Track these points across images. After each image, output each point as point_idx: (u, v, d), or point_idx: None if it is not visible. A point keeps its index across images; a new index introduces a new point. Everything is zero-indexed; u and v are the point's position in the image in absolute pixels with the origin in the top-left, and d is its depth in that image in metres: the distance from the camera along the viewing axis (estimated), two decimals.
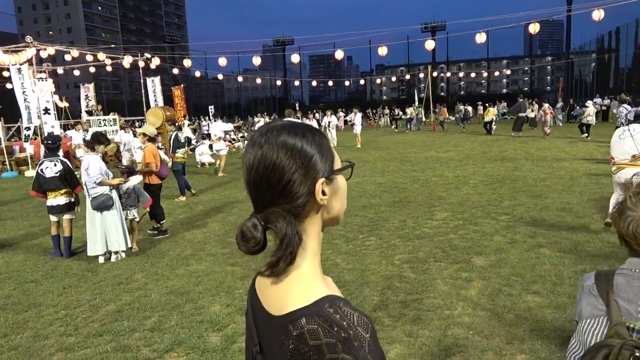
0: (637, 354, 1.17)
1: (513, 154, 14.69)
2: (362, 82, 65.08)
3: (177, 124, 11.30)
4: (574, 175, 10.06)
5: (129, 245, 6.27)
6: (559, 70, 70.83)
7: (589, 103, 19.79)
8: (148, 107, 22.30)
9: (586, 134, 18.37)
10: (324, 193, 0.88)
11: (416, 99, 38.53)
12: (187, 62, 23.07)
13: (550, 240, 5.73)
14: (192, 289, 4.96)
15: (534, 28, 16.68)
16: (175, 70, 27.93)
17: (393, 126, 34.03)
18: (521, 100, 23.04)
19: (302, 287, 0.87)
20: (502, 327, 3.66)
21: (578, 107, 26.14)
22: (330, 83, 51.79)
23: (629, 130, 5.49)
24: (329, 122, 21.75)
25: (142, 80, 24.31)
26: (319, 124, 21.64)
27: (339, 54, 19.74)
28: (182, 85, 25.10)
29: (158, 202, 7.26)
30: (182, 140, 10.49)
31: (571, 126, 24.22)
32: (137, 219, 6.69)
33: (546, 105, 21.84)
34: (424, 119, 30.89)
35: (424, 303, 4.20)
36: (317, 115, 25.16)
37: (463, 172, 11.61)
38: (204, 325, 4.07)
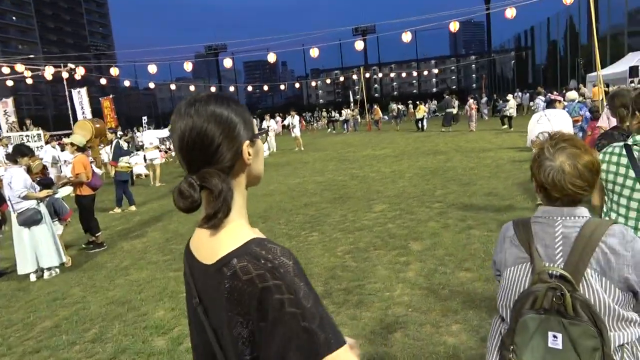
0: (559, 294, 1.33)
1: (444, 148, 15.42)
2: (297, 86, 65.49)
3: (117, 132, 10.76)
4: (500, 163, 10.75)
5: (63, 260, 6.00)
6: (482, 68, 74.87)
7: (510, 97, 21.19)
8: (75, 120, 21.22)
9: (507, 126, 19.66)
10: (249, 154, 1.00)
11: (351, 100, 39.37)
12: (114, 71, 22.13)
13: (479, 222, 6.12)
14: (134, 297, 4.85)
15: (454, 26, 17.67)
16: (103, 81, 26.72)
17: (329, 129, 34.60)
18: (447, 97, 24.24)
19: (231, 234, 0.97)
20: (437, 303, 3.90)
21: (501, 102, 27.83)
22: (266, 88, 51.70)
23: (545, 115, 6.01)
24: (268, 127, 21.75)
25: (67, 93, 23.09)
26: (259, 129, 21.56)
27: (272, 57, 19.78)
28: (111, 96, 24.11)
29: (92, 214, 6.99)
30: (125, 148, 9.97)
31: (496, 119, 25.75)
32: (59, 232, 6.35)
33: (471, 100, 23.08)
34: (359, 120, 31.64)
35: (366, 288, 4.37)
36: (256, 121, 25.09)
37: (399, 166, 12.06)
38: (148, 331, 4.01)
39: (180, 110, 0.99)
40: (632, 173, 2.13)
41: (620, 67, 21.17)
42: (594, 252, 1.38)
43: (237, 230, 0.98)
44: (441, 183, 9.10)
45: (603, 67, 19.63)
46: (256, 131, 1.06)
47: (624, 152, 2.15)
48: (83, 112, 22.29)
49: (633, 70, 17.84)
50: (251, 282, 0.89)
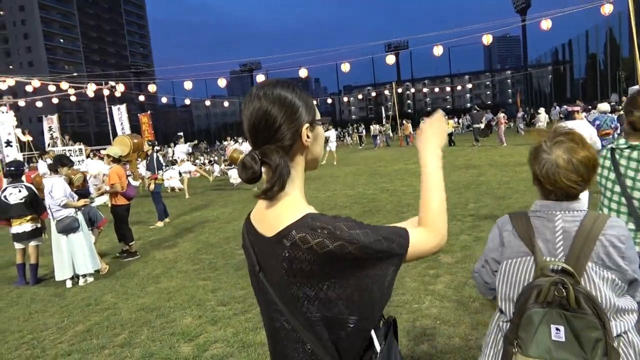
0: (562, 287, 1.35)
1: (478, 162, 15.12)
2: (330, 102, 65.96)
3: (154, 146, 10.97)
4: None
5: (98, 267, 6.17)
6: (518, 83, 73.57)
7: (541, 110, 20.76)
8: (115, 136, 22.02)
9: None
10: (308, 136, 1.11)
11: (383, 116, 39.30)
12: (152, 88, 22.92)
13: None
14: (163, 304, 4.92)
15: (487, 39, 17.45)
16: (142, 98, 27.72)
17: (360, 145, 34.61)
18: (475, 112, 24.06)
19: (291, 208, 1.08)
20: (467, 315, 3.78)
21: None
22: None
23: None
24: None
25: (107, 109, 24.02)
26: None
27: (303, 72, 20.04)
28: (149, 112, 24.94)
29: (126, 224, 7.17)
30: (162, 162, 10.15)
31: (531, 134, 25.12)
32: (94, 240, 6.55)
33: (501, 115, 22.75)
34: (391, 135, 31.50)
35: (394, 300, 4.28)
36: None
37: None
38: (175, 337, 4.05)
39: (252, 93, 1.10)
40: (612, 175, 2.22)
41: None
42: (594, 245, 1.40)
43: (295, 206, 1.08)
44: (474, 197, 8.89)
45: None
46: (318, 117, 1.15)
47: (609, 155, 2.25)
48: (122, 128, 23.11)
49: None
50: (311, 250, 1.00)
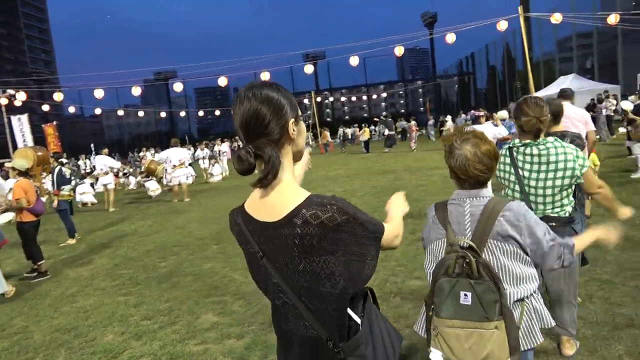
0: (467, 260, 1.64)
1: (394, 167, 15.88)
2: None
3: (60, 159, 10.16)
4: (446, 180, 11.15)
5: (4, 290, 5.68)
6: (429, 92, 78.03)
7: (448, 117, 22.33)
8: (15, 149, 20.24)
9: None
10: (293, 130, 1.25)
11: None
12: (58, 96, 21.35)
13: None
14: (81, 323, 4.66)
15: (399, 51, 18.43)
16: (46, 107, 25.73)
17: None
18: (389, 119, 25.46)
19: (293, 193, 1.22)
20: (389, 309, 4.01)
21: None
22: (218, 113, 51.35)
23: None
24: (219, 151, 21.59)
25: (6, 120, 22.03)
26: (212, 153, 21.30)
27: (223, 81, 19.77)
28: (54, 123, 23.23)
29: (34, 241, 6.67)
30: (68, 176, 9.42)
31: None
32: None
33: (412, 122, 24.21)
34: (311, 143, 32.07)
35: None
36: (208, 145, 24.70)
37: (351, 186, 12.30)
38: (96, 356, 3.87)
39: (241, 94, 1.23)
40: (512, 169, 2.67)
41: (553, 89, 22.72)
42: (494, 225, 1.70)
43: (296, 189, 1.23)
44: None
45: (537, 90, 21.01)
46: (300, 113, 1.30)
47: (507, 153, 2.70)
48: (24, 140, 21.30)
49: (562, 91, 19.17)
50: (322, 224, 1.14)
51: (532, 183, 2.60)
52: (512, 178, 2.69)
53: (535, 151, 2.58)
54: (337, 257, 1.16)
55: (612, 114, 16.88)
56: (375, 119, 27.56)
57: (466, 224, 1.77)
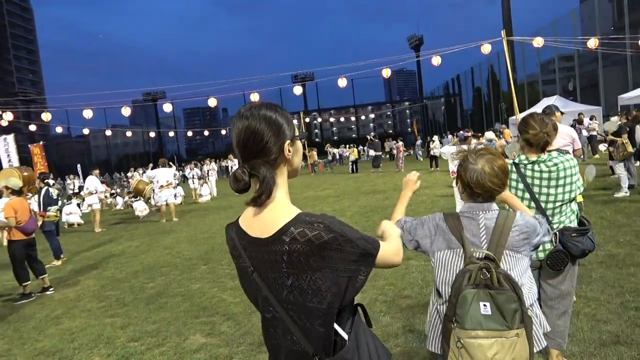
0: (485, 270, 1.70)
1: (382, 187, 15.97)
2: None
3: (46, 179, 10.03)
4: (434, 199, 11.29)
5: None
6: (416, 113, 79.03)
7: (435, 138, 22.61)
8: (0, 169, 19.98)
9: (435, 166, 20.89)
10: (289, 150, 1.27)
11: None
12: (46, 116, 21.24)
13: (416, 253, 6.37)
14: (66, 346, 4.58)
15: (387, 73, 18.75)
16: (33, 127, 25.54)
17: None
18: (376, 140, 25.75)
19: (283, 211, 1.23)
20: (378, 329, 4.01)
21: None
22: (207, 133, 51.32)
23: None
24: (208, 171, 21.55)
25: None
26: (201, 173, 21.24)
27: (212, 102, 19.87)
28: (41, 143, 23.02)
29: (21, 262, 6.58)
30: (55, 197, 9.33)
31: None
32: None
33: (400, 143, 24.46)
34: (302, 163, 32.16)
35: None
36: (197, 165, 24.59)
37: (340, 206, 12.33)
38: None
39: (240, 113, 1.25)
40: (521, 185, 2.73)
41: (537, 110, 23.23)
42: (508, 236, 1.80)
43: (286, 208, 1.24)
44: (381, 219, 9.34)
45: (522, 111, 21.40)
46: (297, 133, 1.31)
47: (514, 169, 2.75)
48: (10, 161, 21.02)
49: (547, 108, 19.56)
50: (309, 242, 1.15)
51: (543, 198, 2.70)
52: (522, 194, 2.75)
53: (544, 168, 2.66)
54: (325, 273, 1.17)
55: (595, 134, 17.25)
56: (368, 136, 27.62)
57: (481, 235, 1.84)
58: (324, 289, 1.18)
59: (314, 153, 31.43)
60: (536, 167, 2.68)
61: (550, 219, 2.71)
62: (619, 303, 4.01)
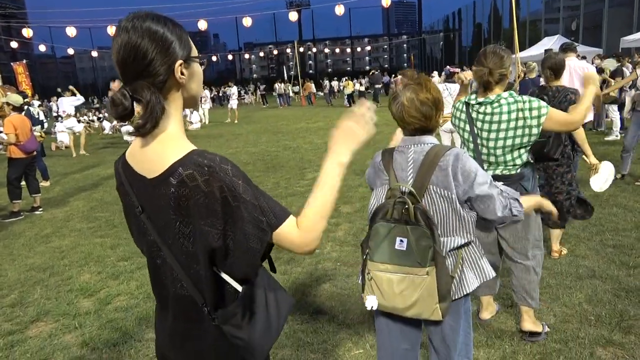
0: (406, 206, 1.64)
1: (376, 121, 15.82)
2: (230, 58, 63.62)
3: (27, 99, 9.73)
4: None
5: None
6: (413, 47, 76.92)
7: (435, 74, 22.17)
8: None
9: None
10: (182, 73, 1.06)
11: (285, 75, 39.05)
12: (27, 32, 20.27)
13: None
14: (56, 263, 4.66)
15: (386, 2, 17.97)
16: (14, 44, 24.46)
17: (264, 104, 34.25)
18: (377, 73, 25.03)
19: (173, 145, 1.06)
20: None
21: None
22: None
23: (446, 89, 6.27)
24: (201, 97, 21.08)
25: None
26: None
27: (203, 25, 19.05)
28: (24, 61, 22.20)
29: (18, 180, 6.56)
30: (37, 116, 9.08)
31: None
32: None
33: (399, 77, 23.91)
34: (292, 95, 31.55)
35: None
36: None
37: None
38: (73, 294, 3.90)
39: (120, 25, 1.03)
40: (468, 127, 2.58)
41: (537, 50, 22.63)
42: (434, 171, 1.70)
43: (177, 142, 1.07)
44: (372, 153, 9.32)
45: (522, 49, 20.89)
46: (194, 53, 1.11)
47: (464, 108, 2.59)
48: None
49: (547, 52, 19.17)
50: (197, 188, 1.01)
51: (485, 142, 2.51)
52: (467, 135, 2.60)
53: (488, 110, 2.46)
54: (212, 223, 1.03)
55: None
56: (373, 70, 26.90)
57: (409, 170, 1.77)
58: (211, 238, 1.04)
59: (310, 84, 30.76)
60: (481, 109, 2.49)
61: (486, 165, 2.54)
62: (598, 240, 4.13)
